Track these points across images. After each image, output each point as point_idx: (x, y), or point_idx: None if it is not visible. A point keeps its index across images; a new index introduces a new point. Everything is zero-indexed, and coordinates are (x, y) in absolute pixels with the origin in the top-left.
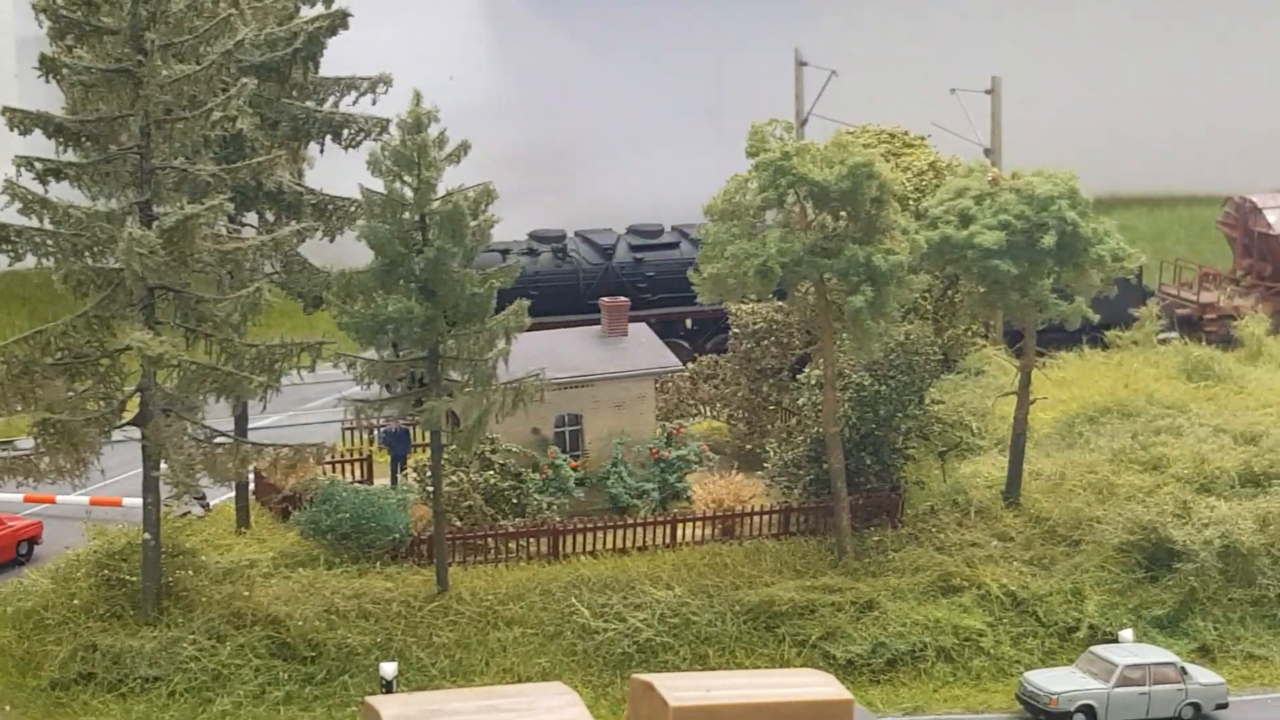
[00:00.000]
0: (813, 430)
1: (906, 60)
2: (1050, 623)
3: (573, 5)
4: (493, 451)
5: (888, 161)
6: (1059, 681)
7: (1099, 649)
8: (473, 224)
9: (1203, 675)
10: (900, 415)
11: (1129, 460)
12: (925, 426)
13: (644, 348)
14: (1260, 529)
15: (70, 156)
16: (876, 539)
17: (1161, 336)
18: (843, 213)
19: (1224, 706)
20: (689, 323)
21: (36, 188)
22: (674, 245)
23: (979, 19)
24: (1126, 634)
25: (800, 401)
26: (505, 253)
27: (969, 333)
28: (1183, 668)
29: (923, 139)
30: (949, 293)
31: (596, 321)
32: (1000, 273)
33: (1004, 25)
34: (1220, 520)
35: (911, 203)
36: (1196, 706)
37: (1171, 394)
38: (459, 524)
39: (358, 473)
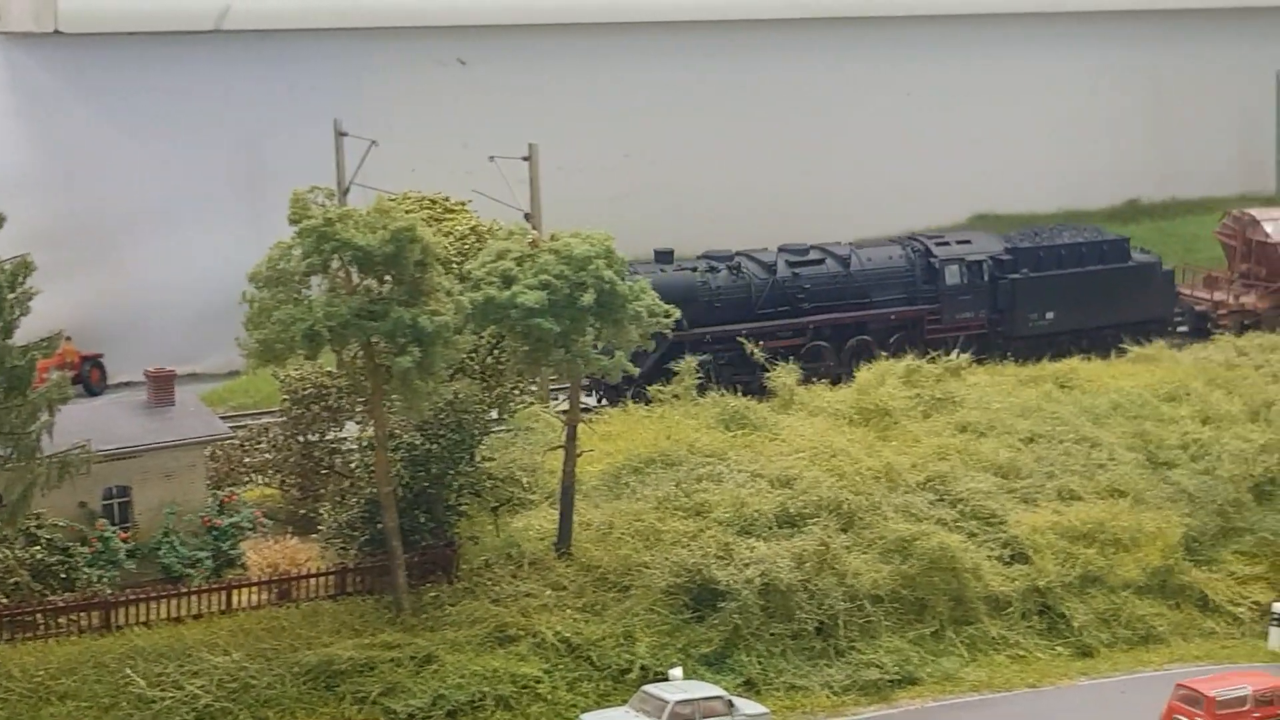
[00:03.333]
0: (366, 491)
1: (445, 130)
2: (604, 666)
3: (103, 80)
4: (38, 526)
5: (430, 226)
6: None
7: (650, 688)
8: (10, 296)
9: (748, 707)
10: (452, 473)
11: (673, 507)
12: (477, 483)
13: (192, 416)
14: (797, 566)
15: None
16: (433, 594)
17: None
18: (387, 276)
19: None
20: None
21: None
22: (820, 261)
23: (517, 90)
24: (676, 672)
25: (353, 463)
26: (693, 270)
27: (517, 390)
28: (730, 701)
29: (464, 204)
30: (495, 351)
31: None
32: (543, 330)
33: (541, 96)
34: (760, 560)
35: (455, 265)
36: None
37: (711, 443)
38: (5, 601)
39: None
